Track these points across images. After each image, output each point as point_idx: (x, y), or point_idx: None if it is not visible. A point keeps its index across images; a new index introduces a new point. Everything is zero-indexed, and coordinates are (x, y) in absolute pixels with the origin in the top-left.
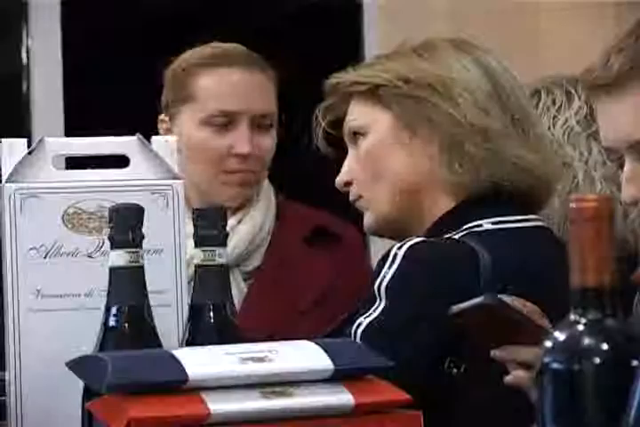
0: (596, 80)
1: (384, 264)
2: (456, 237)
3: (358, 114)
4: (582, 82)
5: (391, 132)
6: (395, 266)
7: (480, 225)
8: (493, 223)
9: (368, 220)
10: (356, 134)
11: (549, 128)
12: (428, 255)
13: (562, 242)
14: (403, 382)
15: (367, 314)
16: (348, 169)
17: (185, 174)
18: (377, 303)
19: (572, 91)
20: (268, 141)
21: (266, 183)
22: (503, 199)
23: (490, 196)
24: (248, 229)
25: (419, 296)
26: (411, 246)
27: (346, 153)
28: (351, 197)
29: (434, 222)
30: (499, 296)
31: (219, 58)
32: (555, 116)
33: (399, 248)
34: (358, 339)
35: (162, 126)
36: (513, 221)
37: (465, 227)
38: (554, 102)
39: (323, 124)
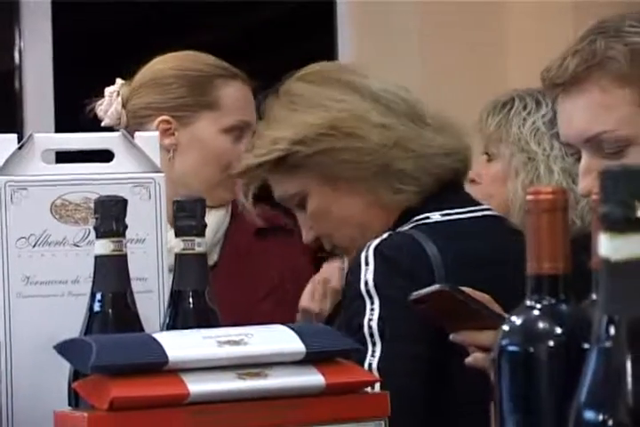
0: (554, 79)
1: (360, 267)
2: (405, 228)
3: (284, 186)
4: (542, 80)
5: (324, 188)
6: (370, 267)
7: (428, 217)
8: (441, 215)
9: (350, 256)
10: (296, 202)
11: (519, 128)
12: (390, 251)
13: (515, 229)
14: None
15: (368, 314)
16: (309, 228)
17: (186, 177)
18: (369, 302)
19: (541, 99)
20: None
21: None
22: (449, 193)
23: (435, 191)
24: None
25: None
26: (375, 248)
27: None
28: (328, 248)
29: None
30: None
31: (231, 71)
32: (524, 119)
33: (367, 251)
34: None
35: (160, 126)
36: (460, 213)
37: (413, 220)
38: (525, 108)
39: (249, 200)
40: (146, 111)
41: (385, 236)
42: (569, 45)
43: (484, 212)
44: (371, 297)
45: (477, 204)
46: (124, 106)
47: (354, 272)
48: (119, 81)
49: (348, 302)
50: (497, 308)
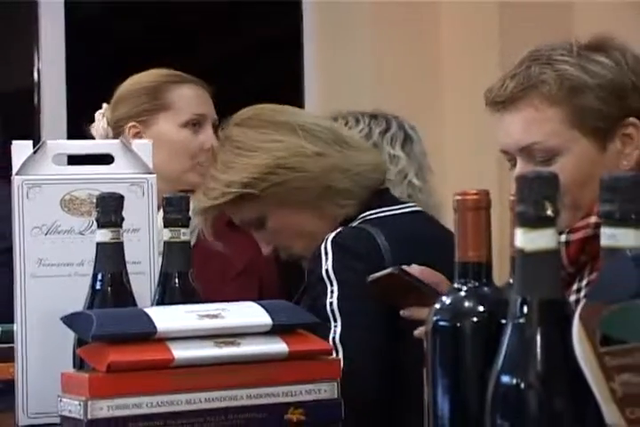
0: (495, 98)
1: (320, 257)
2: (354, 224)
3: (244, 214)
4: (485, 99)
5: (279, 210)
6: (329, 256)
7: (372, 214)
8: (382, 212)
9: (305, 260)
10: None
11: None
12: (346, 241)
13: (434, 219)
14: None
15: (329, 296)
16: (266, 243)
17: (160, 168)
18: (329, 285)
19: (360, 118)
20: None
21: None
22: (380, 198)
23: (374, 197)
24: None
25: (358, 273)
26: (332, 240)
27: None
28: (284, 257)
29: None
30: (401, 267)
31: (180, 77)
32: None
33: (326, 243)
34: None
35: (131, 131)
36: (396, 209)
37: (360, 217)
38: (346, 124)
39: (209, 230)
40: (120, 123)
41: (339, 230)
42: (508, 70)
43: (410, 208)
44: (330, 281)
45: (403, 203)
46: (108, 123)
47: (315, 261)
48: (104, 105)
49: (312, 287)
50: (444, 284)
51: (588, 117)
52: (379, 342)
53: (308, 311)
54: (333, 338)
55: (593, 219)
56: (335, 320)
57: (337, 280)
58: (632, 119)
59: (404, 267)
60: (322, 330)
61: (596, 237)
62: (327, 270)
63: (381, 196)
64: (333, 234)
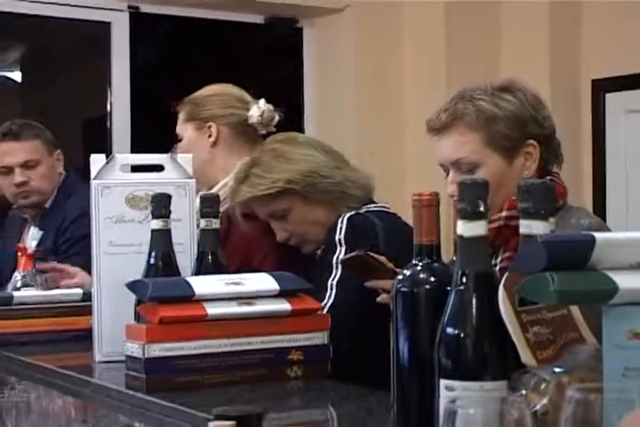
0: (432, 126)
1: (335, 228)
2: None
3: (273, 206)
4: (426, 126)
5: (303, 205)
6: (343, 229)
7: (369, 208)
8: (375, 208)
9: (309, 249)
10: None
11: None
12: (357, 222)
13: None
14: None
15: (337, 253)
16: (283, 230)
17: None
18: (338, 248)
19: None
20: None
21: None
22: (375, 201)
23: (370, 201)
24: None
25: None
26: (348, 219)
27: None
28: (294, 243)
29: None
30: (367, 252)
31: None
32: None
33: (343, 219)
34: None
35: None
36: (381, 207)
37: (364, 208)
38: None
39: (239, 216)
40: None
41: (353, 212)
42: (442, 105)
43: (385, 209)
44: (340, 245)
45: (382, 205)
46: None
47: (331, 231)
48: None
49: (328, 250)
50: (390, 265)
51: (498, 140)
52: (360, 287)
53: (320, 267)
54: (332, 281)
55: (504, 213)
56: (337, 269)
57: (345, 246)
58: (531, 141)
59: (369, 253)
60: (325, 278)
61: (507, 226)
62: (340, 239)
63: (370, 199)
64: (349, 215)
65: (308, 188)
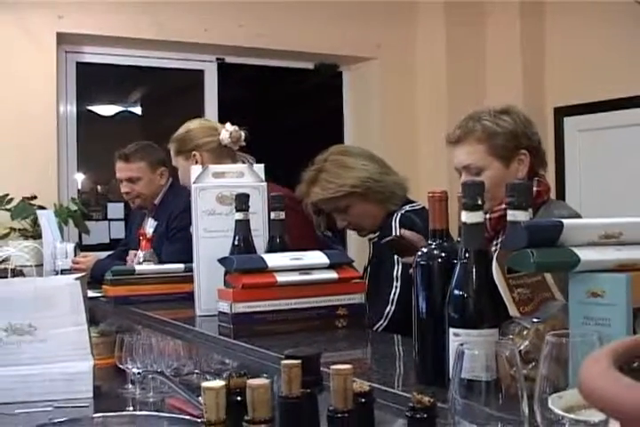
0: (450, 139)
1: (391, 225)
2: (402, 211)
3: (338, 204)
4: (445, 139)
5: (362, 203)
6: (397, 226)
7: (413, 206)
8: (411, 206)
9: (362, 234)
10: (341, 210)
11: None
12: (407, 221)
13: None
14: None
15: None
16: (342, 220)
17: None
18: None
19: None
20: None
21: None
22: (411, 199)
23: (406, 198)
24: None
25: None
26: (400, 216)
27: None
28: (351, 229)
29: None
30: (397, 234)
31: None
32: None
33: (396, 217)
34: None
35: None
36: (417, 205)
37: (404, 208)
38: None
39: (312, 213)
40: None
41: (402, 211)
42: (457, 123)
43: (420, 205)
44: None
45: (418, 204)
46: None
47: (388, 228)
48: None
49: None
50: (422, 242)
51: (499, 150)
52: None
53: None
54: (396, 271)
55: (503, 206)
56: (398, 262)
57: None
58: (523, 151)
59: (399, 233)
60: (388, 266)
61: (506, 215)
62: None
63: (408, 198)
64: (399, 215)
65: (365, 190)
